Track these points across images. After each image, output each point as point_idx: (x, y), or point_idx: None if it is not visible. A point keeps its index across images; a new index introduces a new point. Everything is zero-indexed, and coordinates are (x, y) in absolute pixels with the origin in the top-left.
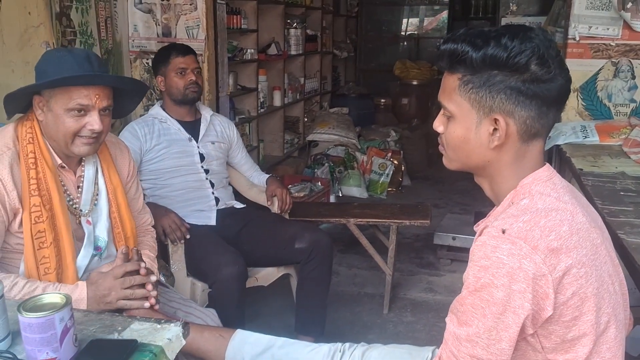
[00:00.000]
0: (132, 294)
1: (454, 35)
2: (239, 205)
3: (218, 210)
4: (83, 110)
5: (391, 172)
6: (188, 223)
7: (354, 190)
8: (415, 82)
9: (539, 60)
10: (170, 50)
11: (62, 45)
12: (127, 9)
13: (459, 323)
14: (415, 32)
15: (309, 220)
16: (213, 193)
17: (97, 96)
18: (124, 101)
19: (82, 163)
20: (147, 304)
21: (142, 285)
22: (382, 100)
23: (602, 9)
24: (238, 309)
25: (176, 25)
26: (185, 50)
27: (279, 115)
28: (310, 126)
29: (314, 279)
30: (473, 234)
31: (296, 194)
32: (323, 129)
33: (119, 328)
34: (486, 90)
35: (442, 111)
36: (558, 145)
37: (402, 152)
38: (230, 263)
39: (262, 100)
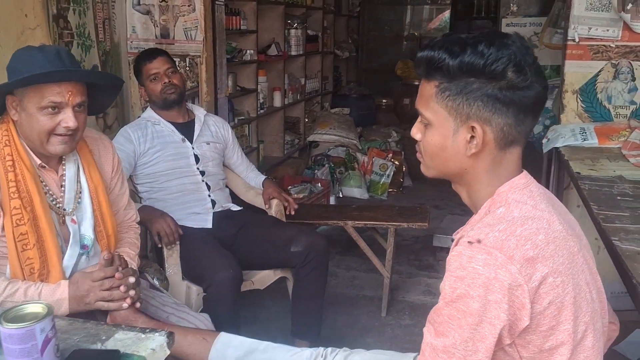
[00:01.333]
0: (109, 295)
1: (432, 43)
2: (235, 207)
3: (214, 213)
4: (57, 108)
5: (392, 172)
6: (184, 226)
7: (355, 191)
8: (417, 82)
9: (515, 67)
10: (140, 60)
11: None
12: (125, 11)
13: (436, 334)
14: (417, 33)
15: (307, 222)
16: (209, 196)
17: (69, 92)
18: (100, 97)
19: (63, 162)
20: (125, 305)
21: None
22: (384, 101)
23: (602, 10)
24: (233, 312)
25: (174, 26)
26: (153, 54)
27: (279, 116)
28: (311, 127)
29: (310, 282)
30: None
31: (295, 195)
32: (324, 129)
33: (103, 337)
34: (463, 98)
35: (419, 118)
36: (557, 148)
37: (403, 152)
38: (225, 267)
39: (261, 101)
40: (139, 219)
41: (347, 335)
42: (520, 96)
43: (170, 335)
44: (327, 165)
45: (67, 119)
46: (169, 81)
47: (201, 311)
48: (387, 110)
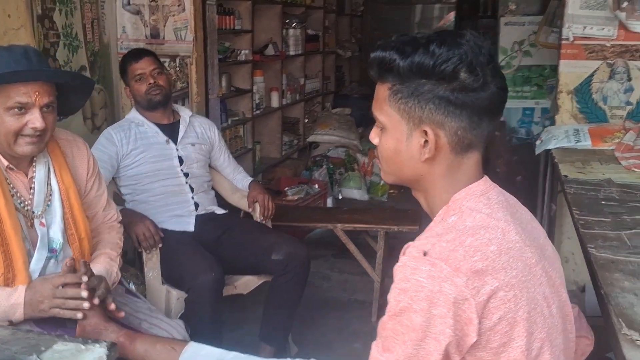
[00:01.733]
0: (63, 303)
1: (384, 43)
2: (220, 210)
3: (197, 216)
4: (23, 109)
5: None
6: (166, 229)
7: (355, 192)
8: None
9: (467, 68)
10: (126, 60)
11: (45, 48)
12: (115, 11)
13: (382, 349)
14: (420, 32)
15: (295, 225)
16: (193, 198)
17: (36, 93)
18: (72, 98)
19: (34, 164)
20: (79, 315)
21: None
22: None
23: (597, 9)
24: (213, 316)
25: (164, 26)
26: (139, 54)
27: (277, 116)
28: (311, 127)
29: (286, 292)
30: None
31: (291, 196)
32: (324, 130)
33: (42, 348)
34: (415, 100)
35: (376, 122)
36: (549, 150)
37: None
38: (207, 270)
39: (257, 101)
40: (120, 218)
41: (337, 339)
42: (473, 98)
43: (111, 347)
44: (325, 166)
45: (34, 119)
46: (155, 82)
47: (181, 315)
48: None
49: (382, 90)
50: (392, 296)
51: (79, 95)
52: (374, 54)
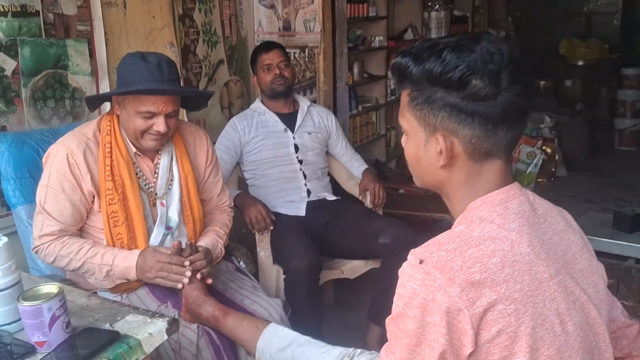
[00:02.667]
0: (166, 276)
1: (408, 48)
2: (331, 197)
3: (309, 202)
4: (151, 115)
5: (540, 161)
6: (278, 212)
7: None
8: (581, 63)
9: (475, 75)
10: (257, 51)
11: (185, 45)
12: (252, 6)
13: (388, 349)
14: (586, 8)
15: (408, 213)
16: (305, 185)
17: (163, 104)
18: (194, 99)
19: (159, 151)
20: (179, 285)
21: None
22: (542, 82)
23: None
24: (309, 299)
25: (295, 19)
26: (269, 46)
27: None
28: None
29: (394, 274)
30: (609, 235)
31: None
32: None
33: (118, 318)
34: (429, 107)
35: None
36: None
37: (556, 140)
38: (300, 256)
39: (392, 87)
40: (232, 203)
41: None
42: (484, 106)
43: (172, 322)
44: None
45: (159, 124)
46: (280, 73)
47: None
48: (545, 93)
49: (403, 97)
50: (394, 300)
51: (202, 100)
52: (394, 61)
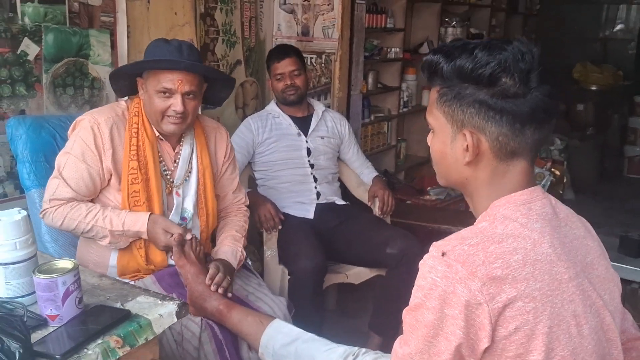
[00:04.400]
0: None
1: (439, 46)
2: (340, 202)
3: (318, 205)
4: (168, 93)
5: (548, 183)
6: (287, 213)
7: None
8: (594, 87)
9: (506, 73)
10: (271, 56)
11: (205, 43)
12: (273, 9)
13: (402, 341)
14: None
15: (415, 223)
16: (315, 187)
17: (179, 81)
18: (218, 90)
19: (181, 141)
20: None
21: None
22: None
23: None
24: (313, 300)
25: (314, 24)
26: (282, 55)
27: None
28: None
29: (399, 286)
30: (615, 259)
31: (432, 197)
32: None
33: (129, 298)
34: (457, 104)
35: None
36: None
37: (565, 162)
38: (307, 257)
39: (405, 99)
40: (247, 202)
41: None
42: (512, 104)
43: (182, 305)
44: None
45: (176, 103)
46: (291, 83)
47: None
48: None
49: (432, 94)
50: (412, 291)
51: (224, 88)
52: (425, 58)
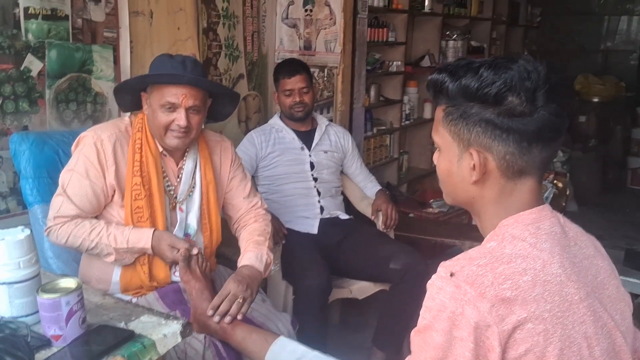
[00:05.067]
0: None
1: (443, 65)
2: (344, 216)
3: (321, 219)
4: (172, 107)
5: (551, 195)
6: (291, 229)
7: None
8: (596, 99)
9: (511, 92)
10: (280, 70)
11: (207, 57)
12: (275, 24)
13: None
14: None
15: (419, 237)
16: (319, 202)
17: (183, 95)
18: (223, 107)
19: (185, 156)
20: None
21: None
22: None
23: None
24: (318, 317)
25: (316, 39)
26: (293, 71)
27: (429, 127)
28: None
29: (402, 301)
30: (620, 273)
31: (434, 209)
32: None
33: (132, 318)
34: (463, 122)
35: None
36: None
37: (568, 174)
38: (313, 275)
39: (407, 112)
40: (265, 205)
41: None
42: (519, 123)
43: (186, 325)
44: None
45: (179, 118)
46: (300, 100)
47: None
48: None
49: (438, 112)
50: (420, 312)
51: (229, 104)
52: (430, 77)
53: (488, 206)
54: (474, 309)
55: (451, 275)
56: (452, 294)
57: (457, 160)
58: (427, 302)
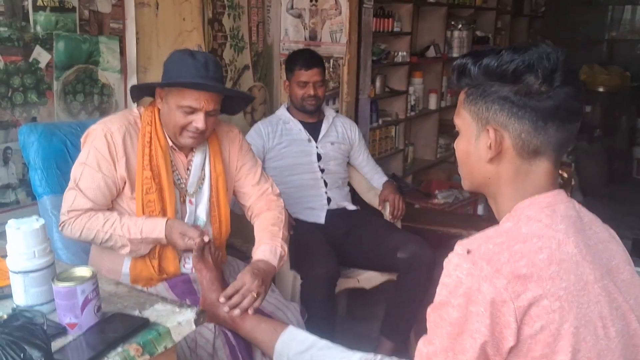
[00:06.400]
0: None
1: (467, 53)
2: (351, 207)
3: (329, 210)
4: (192, 110)
5: None
6: (298, 219)
7: None
8: (601, 89)
9: (529, 70)
10: (297, 61)
11: (213, 48)
12: (280, 14)
13: (427, 340)
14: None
15: (425, 227)
16: (326, 192)
17: (205, 100)
18: (236, 103)
19: (194, 149)
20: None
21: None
22: None
23: None
24: (326, 306)
25: (322, 29)
26: (310, 64)
27: (434, 118)
28: None
29: (410, 290)
30: None
31: (440, 200)
32: None
33: (147, 306)
34: (482, 101)
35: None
36: None
37: (573, 165)
38: (321, 264)
39: (413, 103)
40: (278, 190)
41: None
42: (536, 101)
43: (200, 313)
44: None
45: (198, 120)
46: (315, 94)
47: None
48: None
49: (461, 96)
50: (437, 289)
51: (242, 101)
52: (455, 63)
53: (504, 188)
54: (490, 285)
55: (468, 252)
56: (468, 270)
57: (475, 140)
58: (443, 278)
